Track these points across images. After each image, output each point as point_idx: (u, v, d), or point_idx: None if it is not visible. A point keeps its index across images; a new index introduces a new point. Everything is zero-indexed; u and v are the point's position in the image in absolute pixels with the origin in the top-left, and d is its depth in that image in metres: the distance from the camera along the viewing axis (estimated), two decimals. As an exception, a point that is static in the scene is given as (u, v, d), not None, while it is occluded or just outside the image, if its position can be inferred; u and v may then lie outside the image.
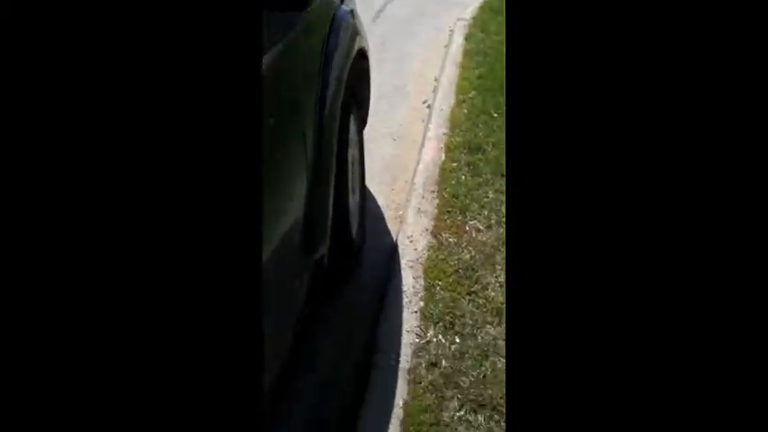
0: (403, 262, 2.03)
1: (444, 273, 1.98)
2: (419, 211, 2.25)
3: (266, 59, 1.18)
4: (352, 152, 2.01)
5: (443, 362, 1.69)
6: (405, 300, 1.90)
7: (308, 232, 1.45)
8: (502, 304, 1.84)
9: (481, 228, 2.17)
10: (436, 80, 3.17)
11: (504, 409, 1.54)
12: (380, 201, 2.41)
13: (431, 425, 1.54)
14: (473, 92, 2.98)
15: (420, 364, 1.69)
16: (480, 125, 2.72)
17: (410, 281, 1.96)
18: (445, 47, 3.53)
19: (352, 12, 1.95)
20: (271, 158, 1.20)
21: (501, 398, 1.59)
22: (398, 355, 1.72)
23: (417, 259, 2.05)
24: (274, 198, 1.22)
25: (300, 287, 1.47)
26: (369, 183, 2.37)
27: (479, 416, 1.55)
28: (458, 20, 3.91)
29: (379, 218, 2.33)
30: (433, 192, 2.36)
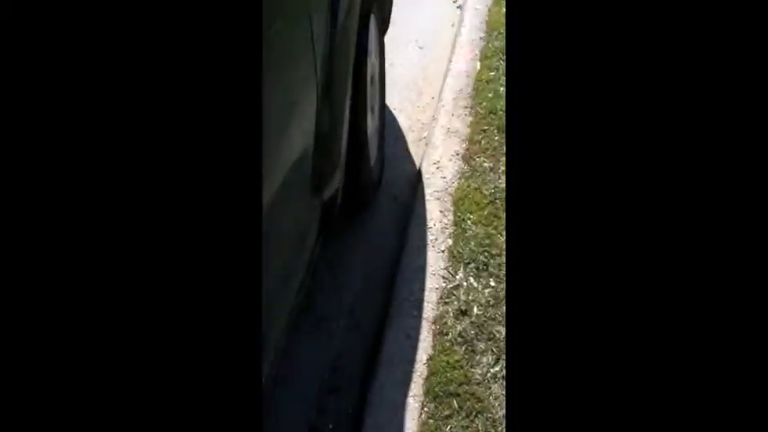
0: (428, 192, 1.87)
1: (477, 204, 1.82)
2: (448, 131, 2.07)
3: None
4: (372, 63, 1.81)
5: (475, 309, 1.56)
6: (430, 237, 1.75)
7: (317, 165, 1.29)
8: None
9: (521, 152, 1.98)
10: (469, -26, 2.88)
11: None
12: (402, 120, 2.22)
13: (460, 384, 1.43)
14: (513, -12, 2.70)
15: (447, 312, 1.57)
16: (521, 28, 2.47)
17: (436, 215, 1.81)
18: (480, -66, 3.19)
19: None
20: (270, 73, 1.02)
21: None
22: (422, 302, 1.59)
23: (445, 189, 1.88)
24: (275, 124, 1.05)
25: (309, 230, 1.32)
26: (389, 99, 2.17)
27: (516, 374, 1.44)
28: None
29: (401, 140, 2.15)
30: (466, 107, 2.16)
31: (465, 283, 1.63)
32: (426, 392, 1.42)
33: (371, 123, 1.80)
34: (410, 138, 2.15)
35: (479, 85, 2.24)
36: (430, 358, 1.48)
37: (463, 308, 1.57)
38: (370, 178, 1.80)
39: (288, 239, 1.20)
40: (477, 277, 1.64)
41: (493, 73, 2.27)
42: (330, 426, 1.46)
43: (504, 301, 1.59)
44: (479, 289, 1.61)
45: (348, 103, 1.44)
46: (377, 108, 1.91)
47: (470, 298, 1.59)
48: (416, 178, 1.95)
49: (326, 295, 1.68)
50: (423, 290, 1.62)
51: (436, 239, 1.74)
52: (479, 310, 1.56)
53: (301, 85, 1.20)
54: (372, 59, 1.82)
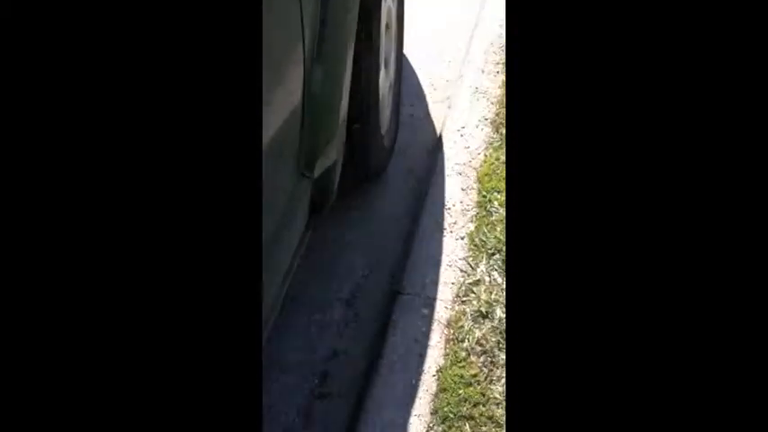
0: (449, 166, 1.65)
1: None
2: (476, 91, 1.83)
3: None
4: (388, 8, 1.57)
5: (498, 312, 1.36)
6: (448, 220, 1.54)
7: (307, 135, 1.07)
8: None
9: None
10: None
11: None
12: (422, 76, 1.97)
13: (475, 404, 1.23)
14: None
15: (464, 313, 1.36)
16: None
17: (457, 193, 1.59)
18: None
19: None
20: None
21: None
22: (434, 299, 1.39)
23: (469, 161, 1.66)
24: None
25: (295, 214, 1.11)
26: (408, 51, 1.93)
27: (543, 396, 1.24)
28: None
29: (421, 100, 1.91)
30: (498, 64, 1.92)
31: (487, 279, 1.42)
32: (434, 412, 1.23)
33: (385, 81, 1.57)
34: (432, 98, 1.92)
35: (515, 38, 1.98)
36: (440, 370, 1.28)
37: (484, 309, 1.36)
38: (382, 146, 1.57)
39: (266, 226, 0.99)
40: (502, 272, 1.43)
41: (532, 23, 2.01)
42: (317, 439, 1.29)
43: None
44: (504, 287, 1.40)
45: (351, 58, 1.21)
46: (392, 62, 1.67)
47: (493, 297, 1.38)
48: (435, 147, 1.72)
49: (322, 283, 1.49)
50: (436, 284, 1.42)
51: (455, 223, 1.53)
52: (503, 313, 1.35)
53: (281, 36, 0.97)
54: (388, 3, 1.58)
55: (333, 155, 1.21)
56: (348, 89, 1.23)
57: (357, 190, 1.62)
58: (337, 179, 1.27)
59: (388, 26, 1.61)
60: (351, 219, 1.60)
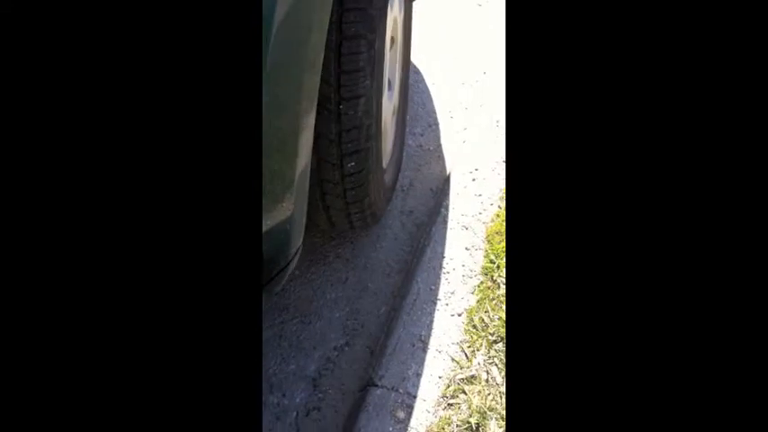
0: (454, 217, 1.32)
1: (522, 243, 1.26)
2: (498, 124, 1.50)
3: None
4: (394, 18, 1.27)
5: (492, 425, 1.03)
6: (444, 288, 1.21)
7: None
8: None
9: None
10: None
11: None
12: (440, 100, 1.65)
13: None
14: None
15: (449, 423, 1.04)
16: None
17: (460, 253, 1.26)
18: None
19: None
20: None
21: None
22: (414, 396, 1.07)
23: (479, 214, 1.33)
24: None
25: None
26: (427, 69, 1.61)
27: None
28: None
29: (431, 130, 1.58)
30: (528, 91, 1.57)
31: (484, 376, 1.09)
32: None
33: (388, 105, 1.25)
34: (446, 127, 1.59)
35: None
36: (408, 502, 0.96)
37: (474, 420, 1.03)
38: (381, 184, 1.25)
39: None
40: (503, 368, 1.10)
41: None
42: None
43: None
44: (504, 390, 1.07)
45: (314, 85, 0.89)
46: (397, 82, 1.35)
47: (488, 403, 1.05)
48: (440, 190, 1.39)
49: (282, 358, 1.18)
50: (418, 377, 1.10)
51: (453, 294, 1.20)
52: (499, 429, 1.02)
53: None
54: (394, 13, 1.26)
55: (284, 209, 0.89)
56: (311, 124, 0.92)
57: (347, 234, 1.31)
58: (296, 241, 0.96)
59: (393, 40, 1.30)
60: (334, 271, 1.29)
